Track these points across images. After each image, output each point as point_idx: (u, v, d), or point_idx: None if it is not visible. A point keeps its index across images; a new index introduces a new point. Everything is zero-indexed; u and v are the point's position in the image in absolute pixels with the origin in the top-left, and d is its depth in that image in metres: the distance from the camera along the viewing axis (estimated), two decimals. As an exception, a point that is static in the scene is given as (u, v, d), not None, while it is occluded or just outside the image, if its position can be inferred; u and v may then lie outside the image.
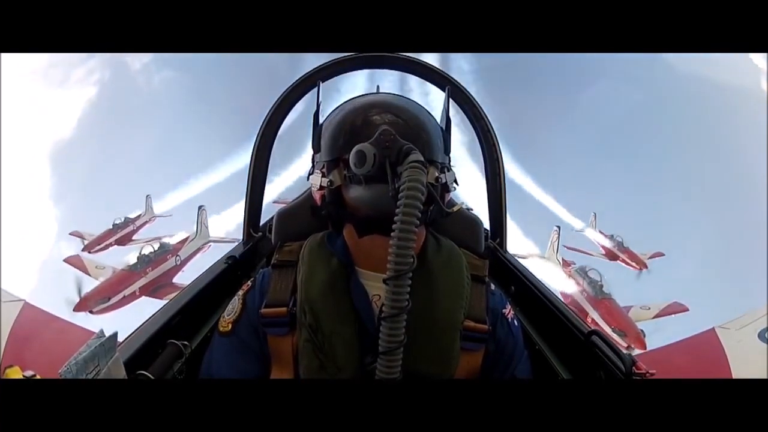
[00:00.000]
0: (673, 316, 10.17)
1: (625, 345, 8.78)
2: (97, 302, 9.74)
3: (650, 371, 1.03)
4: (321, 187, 0.96)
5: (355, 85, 3.21)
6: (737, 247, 14.62)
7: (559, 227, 12.67)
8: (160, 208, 14.25)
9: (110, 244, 12.37)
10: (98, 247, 12.14)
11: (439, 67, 1.97)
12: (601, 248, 13.09)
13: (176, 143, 18.44)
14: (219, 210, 13.33)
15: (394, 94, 1.05)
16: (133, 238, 12.81)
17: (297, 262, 1.05)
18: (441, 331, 0.97)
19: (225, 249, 2.13)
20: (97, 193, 16.80)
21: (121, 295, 10.08)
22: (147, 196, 13.75)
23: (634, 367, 1.03)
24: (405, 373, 0.85)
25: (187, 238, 12.09)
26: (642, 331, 9.43)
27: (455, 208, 0.94)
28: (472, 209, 2.01)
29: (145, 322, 1.26)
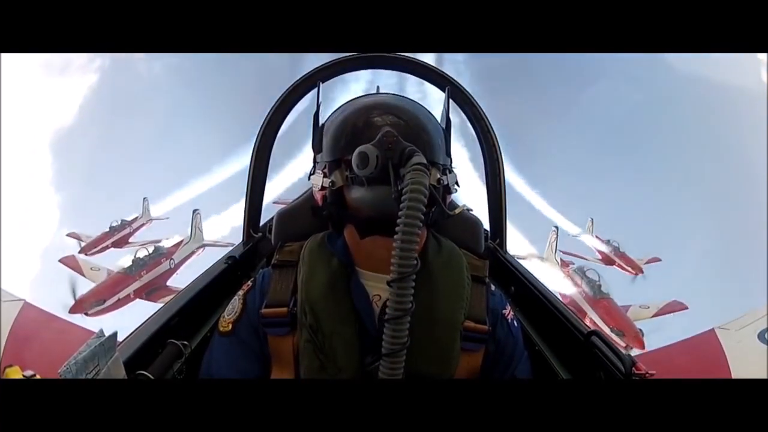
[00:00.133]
0: (672, 314, 10.18)
1: (624, 344, 8.79)
2: (93, 304, 9.71)
3: (650, 372, 1.03)
4: (323, 188, 0.96)
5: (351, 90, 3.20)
6: (737, 247, 14.62)
7: (557, 227, 12.72)
8: (160, 210, 14.23)
9: (107, 247, 12.36)
10: (95, 250, 12.13)
11: (439, 68, 1.97)
12: (597, 253, 13.08)
13: (176, 129, 18.32)
14: (219, 210, 13.34)
15: (394, 95, 1.05)
16: (130, 240, 12.80)
17: (297, 262, 1.05)
18: (441, 331, 0.97)
19: (220, 253, 2.13)
20: (99, 180, 16.74)
21: (115, 298, 10.05)
22: (144, 198, 13.68)
23: (633, 368, 1.03)
24: (405, 373, 0.85)
25: (181, 242, 12.07)
26: (640, 330, 9.43)
27: (457, 210, 0.94)
28: (471, 210, 2.00)
29: (145, 322, 1.26)
